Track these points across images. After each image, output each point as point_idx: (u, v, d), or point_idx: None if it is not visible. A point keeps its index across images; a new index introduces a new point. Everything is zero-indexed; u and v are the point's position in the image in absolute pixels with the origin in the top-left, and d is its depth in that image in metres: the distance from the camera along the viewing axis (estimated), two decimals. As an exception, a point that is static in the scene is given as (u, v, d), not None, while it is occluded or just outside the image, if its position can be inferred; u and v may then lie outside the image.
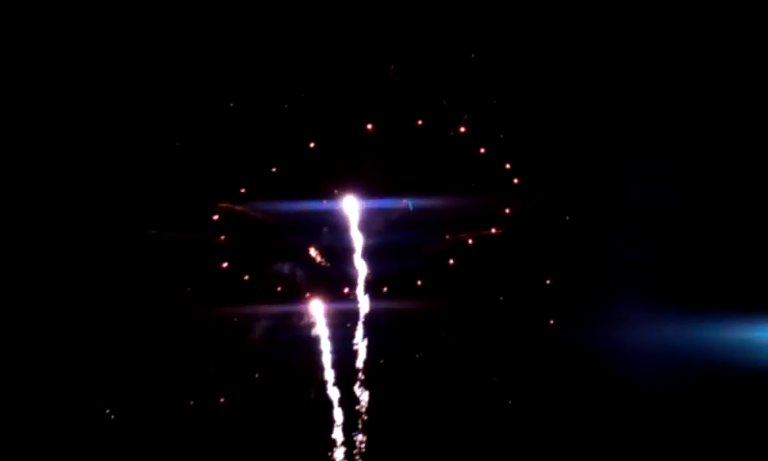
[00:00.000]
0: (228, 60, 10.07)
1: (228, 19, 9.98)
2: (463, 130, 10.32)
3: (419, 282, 10.89)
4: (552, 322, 10.38)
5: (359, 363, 11.03)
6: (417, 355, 11.03)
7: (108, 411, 10.20)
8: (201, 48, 10.04)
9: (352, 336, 11.06)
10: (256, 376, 10.73)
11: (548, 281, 10.45)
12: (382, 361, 11.09)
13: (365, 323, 11.05)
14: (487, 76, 10.23)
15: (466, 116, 10.17)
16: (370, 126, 10.50)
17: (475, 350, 10.74)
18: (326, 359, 10.96)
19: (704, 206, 9.98)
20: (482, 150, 10.42)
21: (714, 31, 9.66)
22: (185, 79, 10.18)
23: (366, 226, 10.77)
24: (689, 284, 9.99)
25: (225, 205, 10.49)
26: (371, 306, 10.99)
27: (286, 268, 10.73)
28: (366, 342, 11.03)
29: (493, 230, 10.52)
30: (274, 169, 10.51)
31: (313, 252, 10.83)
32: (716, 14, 9.60)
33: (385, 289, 10.95)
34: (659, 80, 10.00)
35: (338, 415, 10.99)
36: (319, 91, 10.29)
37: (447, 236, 10.83)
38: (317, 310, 10.88)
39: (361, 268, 10.91)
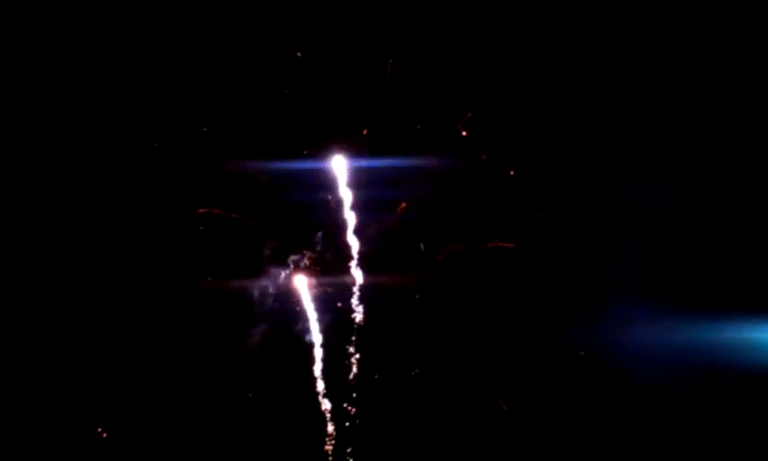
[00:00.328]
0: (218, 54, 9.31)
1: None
2: (464, 133, 9.91)
3: (417, 296, 10.53)
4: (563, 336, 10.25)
5: (353, 377, 10.66)
6: (413, 372, 10.69)
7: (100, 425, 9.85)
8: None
9: (347, 348, 10.66)
10: (249, 393, 10.27)
11: (550, 283, 10.29)
12: (376, 376, 10.76)
13: (359, 334, 10.67)
14: (486, 77, 9.81)
15: (469, 114, 9.73)
16: (365, 131, 9.93)
17: (474, 362, 10.54)
18: (321, 371, 10.57)
19: (704, 206, 9.93)
20: (482, 152, 10.05)
21: (714, 31, 9.57)
22: (178, 75, 9.37)
23: (363, 232, 10.31)
24: (690, 285, 9.97)
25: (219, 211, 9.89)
26: (366, 318, 10.61)
27: (282, 275, 10.22)
28: (359, 355, 10.67)
29: (495, 241, 10.20)
30: (264, 178, 9.90)
31: (308, 259, 10.30)
32: (716, 14, 9.51)
33: (381, 302, 10.56)
34: (658, 80, 9.82)
35: (330, 429, 10.64)
36: (316, 88, 9.65)
37: (444, 247, 10.46)
38: (311, 319, 10.45)
39: (357, 277, 10.48)
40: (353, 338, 10.55)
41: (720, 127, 9.83)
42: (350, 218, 10.21)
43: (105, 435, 9.90)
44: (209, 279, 10.19)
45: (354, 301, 10.46)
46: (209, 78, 9.33)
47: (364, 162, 9.99)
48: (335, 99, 9.63)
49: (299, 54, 9.23)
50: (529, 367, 10.35)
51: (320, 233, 10.26)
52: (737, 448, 9.82)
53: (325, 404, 10.61)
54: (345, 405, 10.60)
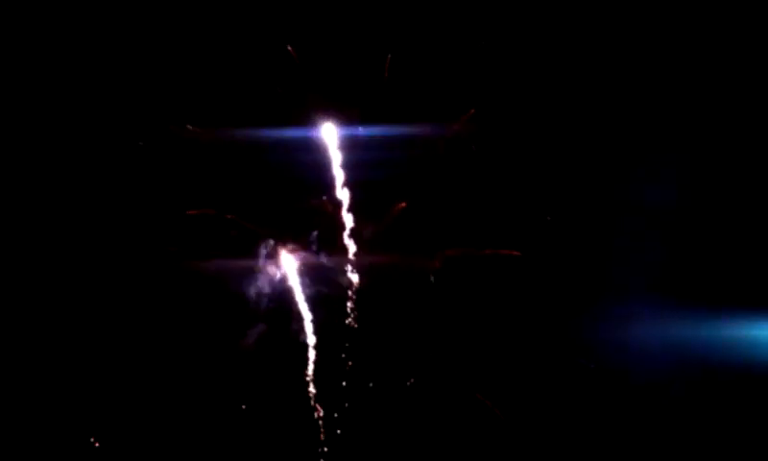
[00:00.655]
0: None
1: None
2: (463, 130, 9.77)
3: (414, 297, 10.22)
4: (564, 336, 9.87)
5: (348, 384, 10.30)
6: (408, 383, 10.29)
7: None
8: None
9: (340, 352, 10.34)
10: (242, 396, 9.99)
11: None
12: (371, 384, 10.38)
13: (353, 338, 10.35)
14: (488, 77, 9.73)
15: (472, 111, 9.59)
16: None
17: (466, 370, 10.15)
18: (313, 376, 10.24)
19: (708, 204, 9.73)
20: (482, 150, 9.89)
21: (715, 31, 9.46)
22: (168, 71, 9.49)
23: (358, 233, 10.13)
24: (694, 282, 9.72)
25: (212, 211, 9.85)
26: (360, 321, 10.32)
27: (276, 275, 10.03)
28: (352, 361, 10.32)
29: (500, 249, 9.96)
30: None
31: (302, 260, 10.11)
32: (716, 14, 9.41)
33: (377, 306, 10.28)
34: (661, 80, 9.63)
35: (322, 437, 10.22)
36: (312, 84, 9.67)
37: (440, 253, 10.19)
38: (304, 320, 10.19)
39: (352, 279, 10.25)
40: (347, 343, 10.24)
41: (720, 127, 9.67)
42: (346, 218, 10.07)
43: (96, 432, 9.73)
44: (203, 279, 10.03)
45: (349, 303, 10.20)
46: (203, 74, 9.41)
47: (359, 161, 9.91)
48: (331, 94, 9.61)
49: (289, 47, 9.23)
50: (529, 367, 9.97)
51: (315, 233, 10.09)
52: (738, 444, 9.43)
53: (318, 411, 10.26)
54: (337, 413, 10.23)
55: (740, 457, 9.41)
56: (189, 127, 9.63)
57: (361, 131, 9.80)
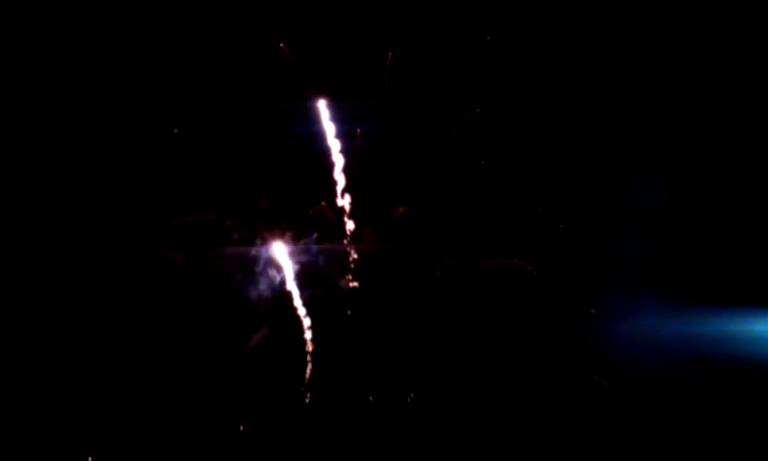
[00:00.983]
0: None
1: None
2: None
3: (414, 302, 9.85)
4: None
5: (345, 397, 9.83)
6: (408, 398, 9.81)
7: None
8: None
9: (340, 361, 9.91)
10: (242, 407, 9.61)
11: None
12: (371, 398, 9.89)
13: (352, 344, 9.95)
14: (493, 79, 9.59)
15: (477, 110, 9.38)
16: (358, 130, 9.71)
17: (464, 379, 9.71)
18: (311, 384, 9.83)
19: (707, 201, 9.69)
20: (482, 149, 9.66)
21: (715, 31, 9.38)
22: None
23: (357, 236, 9.86)
24: (694, 278, 9.64)
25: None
26: (359, 327, 9.94)
27: (276, 278, 9.75)
28: (351, 369, 9.90)
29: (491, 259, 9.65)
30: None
31: (301, 263, 9.83)
32: (717, 14, 9.33)
33: (376, 310, 9.91)
34: (663, 79, 9.61)
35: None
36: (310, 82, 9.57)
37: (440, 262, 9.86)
38: (303, 326, 9.85)
39: (350, 282, 9.91)
40: (345, 351, 9.83)
41: (720, 126, 9.63)
42: (346, 223, 9.82)
43: (91, 429, 9.51)
44: (203, 281, 9.87)
45: (346, 308, 9.86)
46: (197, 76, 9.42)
47: (360, 164, 9.72)
48: (330, 93, 9.49)
49: (281, 44, 9.15)
50: (530, 371, 9.64)
51: (314, 236, 9.83)
52: (742, 438, 9.20)
53: (316, 422, 9.76)
54: (336, 422, 9.73)
55: (740, 451, 9.14)
56: (176, 130, 9.52)
57: (362, 133, 9.64)
